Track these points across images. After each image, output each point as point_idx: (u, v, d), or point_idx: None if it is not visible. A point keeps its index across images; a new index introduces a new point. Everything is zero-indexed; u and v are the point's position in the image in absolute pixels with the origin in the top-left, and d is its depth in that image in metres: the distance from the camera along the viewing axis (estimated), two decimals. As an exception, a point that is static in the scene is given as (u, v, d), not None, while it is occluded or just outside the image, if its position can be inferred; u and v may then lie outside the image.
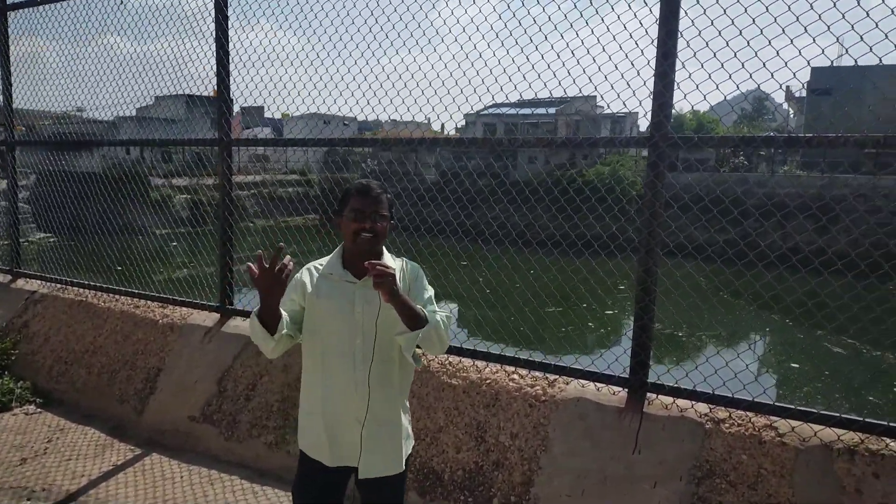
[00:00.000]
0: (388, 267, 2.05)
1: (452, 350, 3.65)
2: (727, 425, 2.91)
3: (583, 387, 3.30)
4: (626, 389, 3.18)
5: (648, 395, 3.12)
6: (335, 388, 2.24)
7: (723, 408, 2.96)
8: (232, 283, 4.63)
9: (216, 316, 4.65)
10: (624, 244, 3.28)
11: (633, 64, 2.98)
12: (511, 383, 3.45)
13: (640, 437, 3.01)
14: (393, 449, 2.28)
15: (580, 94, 3.67)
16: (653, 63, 2.93)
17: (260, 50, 3.44)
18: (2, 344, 5.30)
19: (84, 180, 5.71)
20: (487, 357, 3.57)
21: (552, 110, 38.43)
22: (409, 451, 2.39)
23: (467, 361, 3.65)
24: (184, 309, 4.86)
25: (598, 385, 3.25)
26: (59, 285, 5.65)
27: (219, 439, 4.05)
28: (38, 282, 5.84)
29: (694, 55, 2.96)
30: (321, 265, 2.32)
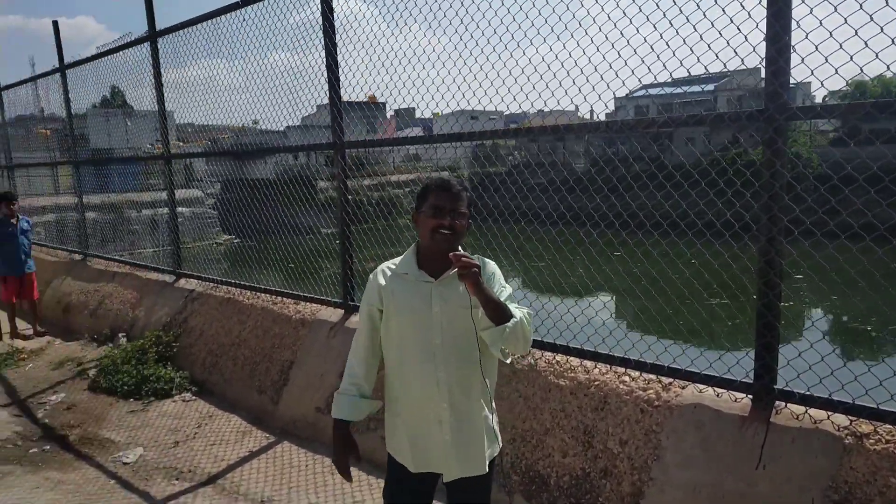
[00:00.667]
0: (472, 259, 2.01)
1: (559, 349, 3.50)
2: (872, 441, 2.50)
3: (700, 392, 3.01)
4: (750, 396, 2.85)
5: (777, 403, 2.77)
6: (416, 390, 2.21)
7: (866, 420, 2.55)
8: (352, 280, 4.79)
9: (341, 312, 4.85)
10: (790, 227, 2.86)
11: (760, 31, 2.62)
12: (622, 386, 3.23)
13: (764, 450, 2.68)
14: (476, 450, 2.22)
15: (742, 67, 3.31)
16: (763, 25, 2.58)
17: (409, 52, 3.45)
18: (165, 337, 5.94)
19: (260, 186, 6.20)
20: (596, 357, 3.37)
21: (710, 87, 35.91)
22: (496, 453, 2.32)
23: (575, 361, 3.48)
24: (314, 305, 5.12)
25: (718, 390, 2.94)
26: (212, 284, 6.20)
27: (340, 431, 4.22)
28: (196, 281, 6.46)
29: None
30: (395, 265, 2.28)
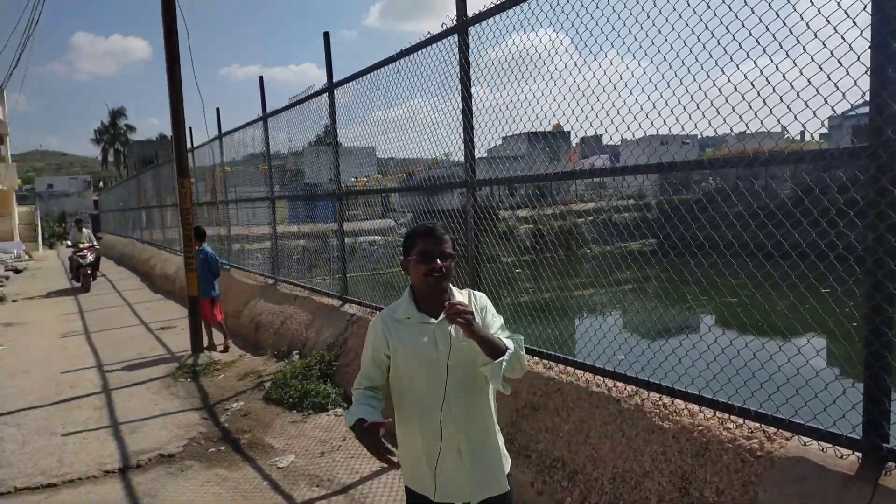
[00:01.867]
0: (464, 305, 2.16)
1: (664, 389, 3.44)
2: None
3: (805, 445, 2.80)
4: (858, 454, 2.60)
5: (888, 463, 2.51)
6: (432, 426, 2.35)
7: None
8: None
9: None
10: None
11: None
12: (724, 433, 3.09)
13: (869, 514, 2.45)
14: (496, 471, 2.40)
15: None
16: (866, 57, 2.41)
17: (599, 77, 3.36)
18: (328, 356, 6.62)
19: (446, 216, 6.64)
20: (699, 401, 3.26)
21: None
22: (508, 470, 2.48)
23: (680, 403, 3.39)
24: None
25: (824, 444, 2.72)
26: (369, 309, 6.81)
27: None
28: (357, 306, 7.12)
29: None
30: (394, 311, 2.45)
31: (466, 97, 4.76)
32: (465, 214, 4.89)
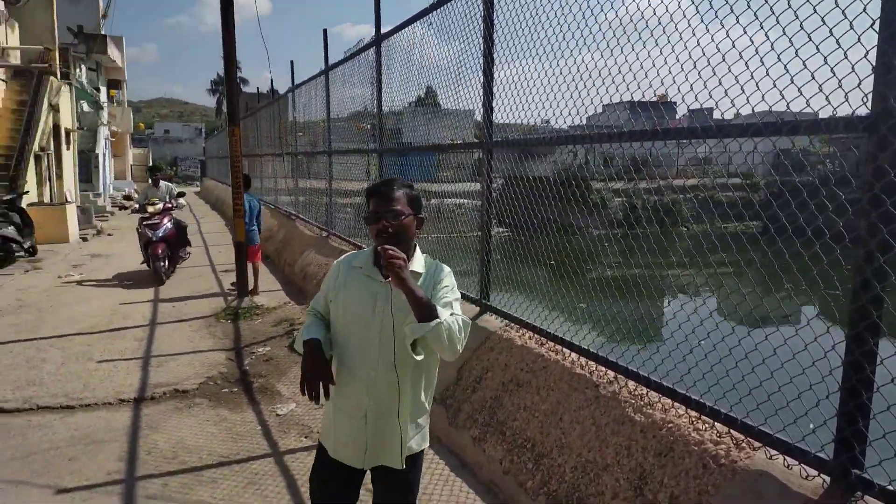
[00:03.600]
0: (399, 254, 2.02)
1: (641, 379, 3.13)
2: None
3: (771, 458, 2.45)
4: (824, 476, 2.24)
5: (857, 492, 2.14)
6: (351, 383, 2.25)
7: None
8: (489, 280, 4.82)
9: (476, 309, 4.91)
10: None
11: None
12: (694, 434, 2.77)
13: (822, 548, 2.11)
14: (393, 445, 2.25)
15: None
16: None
17: (711, 48, 2.64)
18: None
19: (537, 183, 6.30)
20: (673, 395, 2.94)
21: None
22: (417, 449, 2.34)
23: (655, 395, 3.07)
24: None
25: (791, 461, 2.37)
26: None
27: (444, 423, 4.31)
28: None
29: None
30: (355, 257, 2.36)
31: (488, 55, 4.47)
32: (610, 180, 4.64)
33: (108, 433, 4.61)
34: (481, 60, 4.53)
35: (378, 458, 2.28)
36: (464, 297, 5.18)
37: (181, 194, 11.19)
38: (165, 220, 10.18)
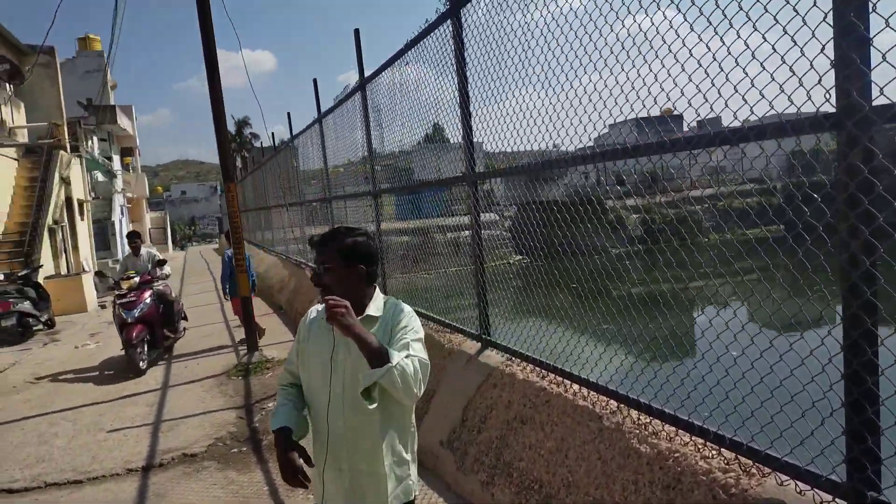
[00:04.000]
0: (340, 301, 1.97)
1: (643, 407, 2.97)
2: None
3: (782, 484, 2.27)
4: (843, 501, 2.07)
5: (874, 517, 1.96)
6: (322, 434, 2.20)
7: None
8: (488, 314, 4.69)
9: (478, 345, 4.78)
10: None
11: None
12: (701, 463, 2.60)
13: (843, 582, 1.92)
14: (376, 495, 2.17)
15: None
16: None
17: (707, 58, 2.37)
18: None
19: (549, 208, 6.16)
20: (676, 422, 2.78)
21: None
22: (404, 501, 2.24)
23: (658, 424, 2.91)
24: (460, 336, 5.13)
25: (803, 486, 2.19)
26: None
27: (453, 468, 4.15)
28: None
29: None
30: (315, 309, 2.33)
31: (462, 82, 4.43)
32: (619, 198, 4.55)
33: (115, 506, 4.52)
34: (457, 96, 4.49)
35: None
36: (463, 333, 5.06)
37: (162, 262, 9.26)
38: (145, 296, 8.42)
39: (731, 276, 2.93)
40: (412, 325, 2.20)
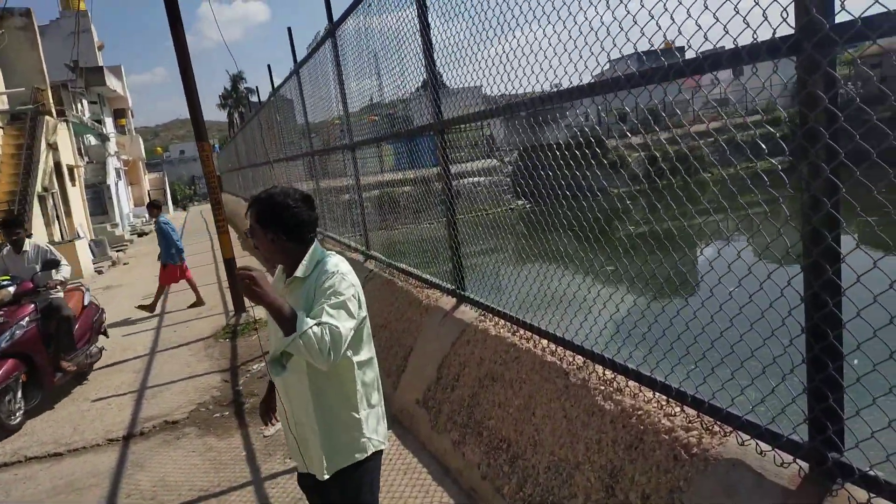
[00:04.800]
0: (246, 272, 1.99)
1: (607, 363, 2.81)
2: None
3: (743, 444, 2.12)
4: (800, 463, 1.91)
5: (837, 480, 1.81)
6: (279, 389, 2.30)
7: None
8: (462, 268, 4.52)
9: (453, 300, 4.62)
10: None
11: None
12: (664, 420, 2.45)
13: (804, 549, 1.79)
14: (315, 454, 2.22)
15: None
16: None
17: None
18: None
19: (551, 150, 5.92)
20: (639, 378, 2.62)
21: None
22: (347, 463, 2.24)
23: (622, 380, 2.76)
24: (438, 292, 4.97)
25: (764, 446, 2.04)
26: (384, 265, 6.45)
27: (427, 427, 4.06)
28: (374, 262, 6.80)
29: None
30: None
31: (425, 30, 4.14)
32: (623, 136, 4.32)
33: (92, 478, 4.47)
34: (419, 39, 4.19)
35: (309, 464, 2.27)
36: (440, 288, 4.90)
37: (54, 263, 6.27)
38: (22, 315, 5.74)
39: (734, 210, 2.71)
40: (336, 286, 2.10)
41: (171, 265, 9.51)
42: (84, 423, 5.50)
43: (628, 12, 2.36)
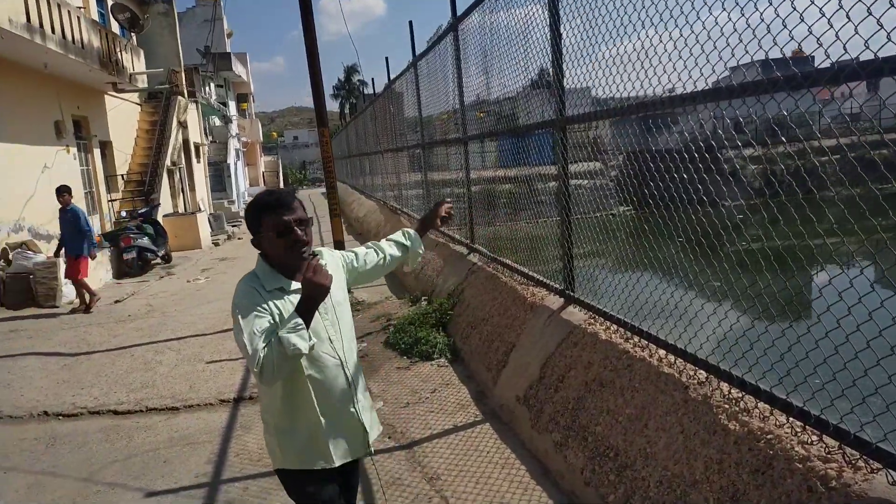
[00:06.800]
0: (321, 266, 2.09)
1: (735, 381, 2.66)
2: None
3: (894, 484, 1.94)
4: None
5: None
6: (338, 388, 2.29)
7: None
8: (573, 269, 4.43)
9: (561, 300, 4.55)
10: None
11: None
12: (798, 448, 2.29)
13: None
14: (370, 430, 2.43)
15: None
16: None
17: None
18: (446, 304, 6.45)
19: (662, 157, 5.81)
20: (772, 400, 2.46)
21: None
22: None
23: (751, 400, 2.60)
24: (544, 290, 4.91)
25: (920, 488, 1.86)
26: (488, 260, 6.45)
27: (527, 425, 4.01)
28: (478, 256, 6.81)
29: None
30: (262, 284, 2.18)
31: (555, 25, 4.08)
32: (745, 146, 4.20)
33: (205, 434, 4.75)
34: (548, 33, 4.14)
35: (356, 449, 2.36)
36: (547, 287, 4.83)
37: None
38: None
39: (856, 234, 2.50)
40: (237, 303, 2.15)
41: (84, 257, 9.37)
42: (199, 382, 5.86)
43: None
